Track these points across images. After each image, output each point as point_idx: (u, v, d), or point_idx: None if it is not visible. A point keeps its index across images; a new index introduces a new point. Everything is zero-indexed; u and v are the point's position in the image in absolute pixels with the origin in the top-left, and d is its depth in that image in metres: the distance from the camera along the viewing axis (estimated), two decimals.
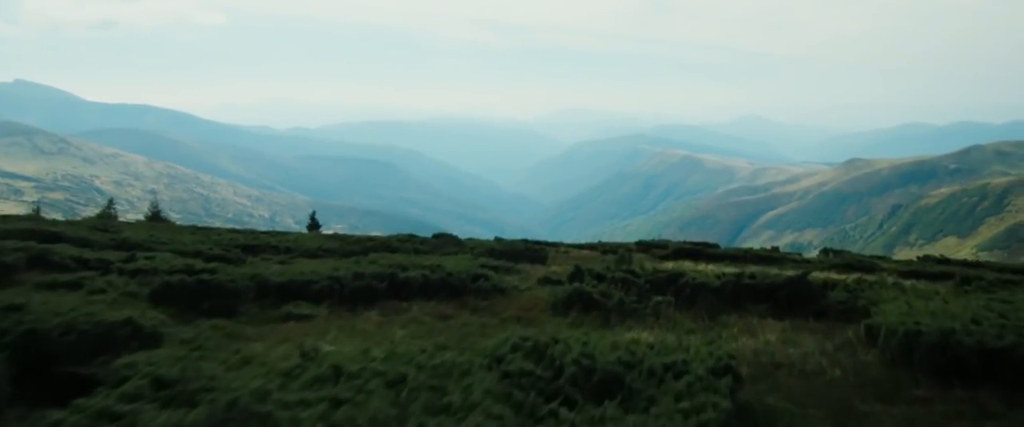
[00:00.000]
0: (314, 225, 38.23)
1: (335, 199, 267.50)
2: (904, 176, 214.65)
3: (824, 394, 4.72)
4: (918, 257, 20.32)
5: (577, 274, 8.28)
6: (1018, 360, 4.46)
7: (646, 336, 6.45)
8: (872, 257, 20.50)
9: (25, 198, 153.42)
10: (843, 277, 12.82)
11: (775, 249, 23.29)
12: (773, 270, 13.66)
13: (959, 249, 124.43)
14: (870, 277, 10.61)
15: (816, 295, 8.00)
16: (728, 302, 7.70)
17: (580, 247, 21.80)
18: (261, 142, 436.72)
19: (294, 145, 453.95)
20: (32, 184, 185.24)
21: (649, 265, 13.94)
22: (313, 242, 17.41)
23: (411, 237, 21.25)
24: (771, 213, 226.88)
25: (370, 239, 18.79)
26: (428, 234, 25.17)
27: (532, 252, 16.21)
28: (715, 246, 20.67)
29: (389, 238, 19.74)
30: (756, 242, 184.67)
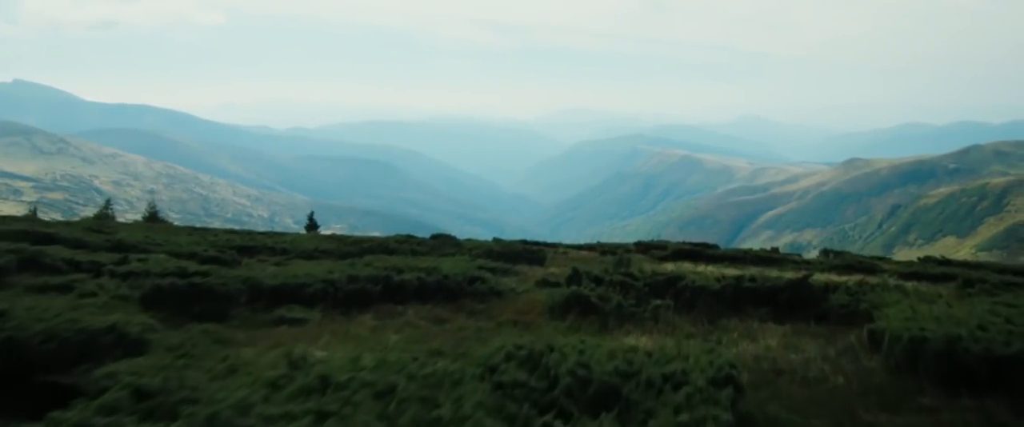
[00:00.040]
0: (312, 225, 38.12)
1: (334, 199, 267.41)
2: (903, 176, 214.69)
3: (827, 402, 4.59)
4: (919, 258, 20.21)
5: (575, 277, 8.16)
6: None
7: (645, 341, 6.33)
8: (872, 258, 20.39)
9: (24, 198, 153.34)
10: (844, 279, 12.71)
11: (775, 250, 23.18)
12: (773, 272, 13.56)
13: (958, 249, 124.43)
14: (872, 279, 10.49)
15: (817, 298, 7.88)
16: (728, 305, 7.58)
17: (579, 248, 21.69)
18: (260, 142, 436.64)
19: (293, 145, 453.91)
20: (31, 184, 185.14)
21: (648, 267, 13.83)
22: (310, 243, 17.29)
23: (409, 238, 21.14)
24: (770, 213, 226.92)
25: (367, 240, 18.67)
26: (427, 234, 25.08)
27: (530, 253, 16.09)
28: (714, 247, 20.54)
29: (387, 239, 19.62)
30: (755, 242, 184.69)
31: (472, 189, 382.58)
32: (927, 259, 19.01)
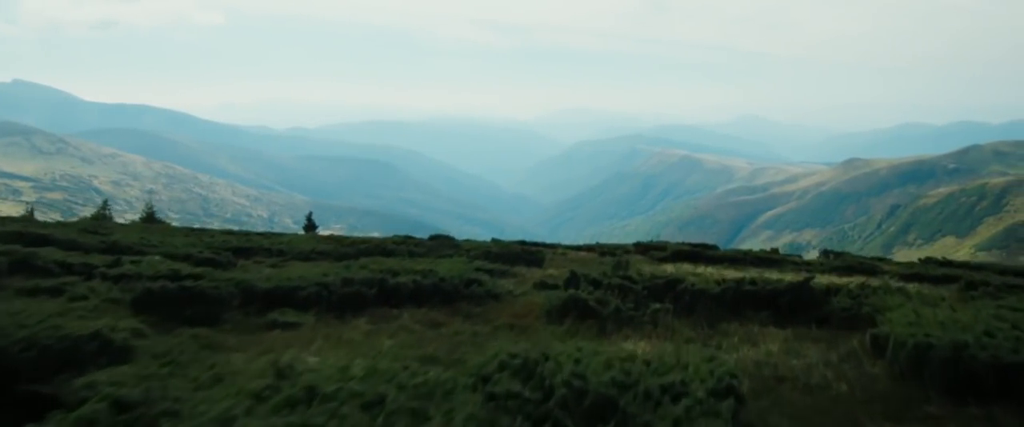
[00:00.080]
0: (311, 226, 38.01)
1: (334, 199, 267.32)
2: (903, 176, 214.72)
3: (830, 411, 4.48)
4: (920, 259, 20.11)
5: (573, 280, 8.04)
6: None
7: (643, 346, 6.22)
8: (873, 259, 20.28)
9: (23, 198, 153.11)
10: (845, 280, 12.60)
11: (774, 250, 23.07)
12: (773, 273, 13.45)
13: (958, 249, 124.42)
14: (873, 281, 10.38)
15: (818, 301, 7.76)
16: (728, 309, 7.46)
17: (578, 249, 21.56)
18: (260, 142, 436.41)
19: (293, 145, 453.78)
20: (30, 184, 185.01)
21: (647, 269, 13.71)
22: (307, 244, 17.17)
23: (407, 239, 21.02)
24: (770, 213, 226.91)
25: (364, 241, 18.55)
26: (427, 235, 24.98)
27: (529, 254, 15.97)
28: (714, 248, 20.42)
29: (384, 240, 19.49)
30: (755, 242, 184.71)
31: (472, 189, 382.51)
32: (928, 260, 18.90)
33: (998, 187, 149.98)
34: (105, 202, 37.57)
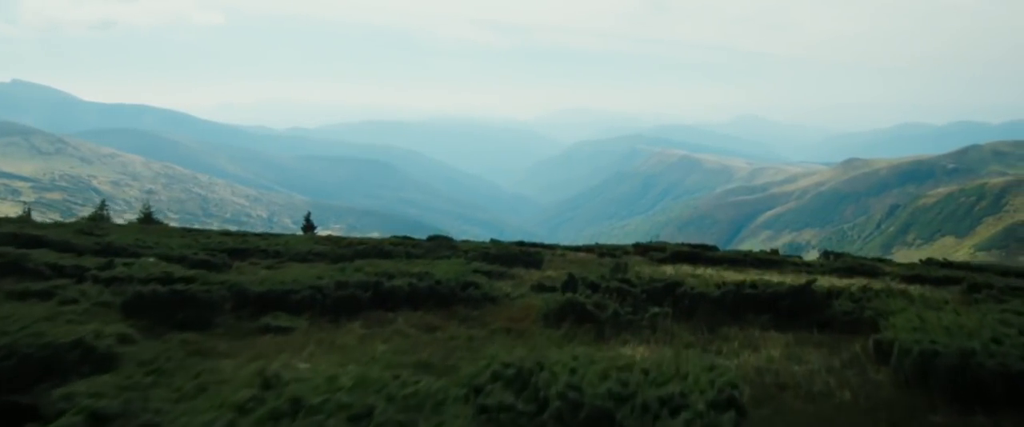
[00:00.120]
0: (309, 226, 37.88)
1: (333, 199, 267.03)
2: (902, 176, 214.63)
3: (834, 419, 4.37)
4: (921, 260, 20.00)
5: (570, 283, 7.92)
6: None
7: (642, 351, 6.10)
8: (874, 260, 20.16)
9: (23, 198, 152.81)
10: (846, 282, 12.49)
11: (774, 251, 22.96)
12: (774, 275, 13.33)
13: (957, 249, 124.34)
14: (875, 284, 10.26)
15: (820, 305, 7.65)
16: (728, 313, 7.34)
17: (577, 249, 21.43)
18: (259, 142, 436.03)
19: (292, 145, 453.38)
20: (29, 184, 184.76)
21: (647, 269, 13.60)
22: (304, 246, 17.03)
23: (405, 240, 20.90)
24: (769, 213, 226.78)
25: (362, 242, 18.42)
26: (426, 235, 24.88)
27: (527, 256, 15.84)
28: (714, 248, 20.30)
29: (382, 241, 19.37)
30: (754, 242, 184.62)
31: (471, 189, 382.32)
32: (929, 262, 18.79)
33: (997, 187, 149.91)
34: (102, 203, 37.43)
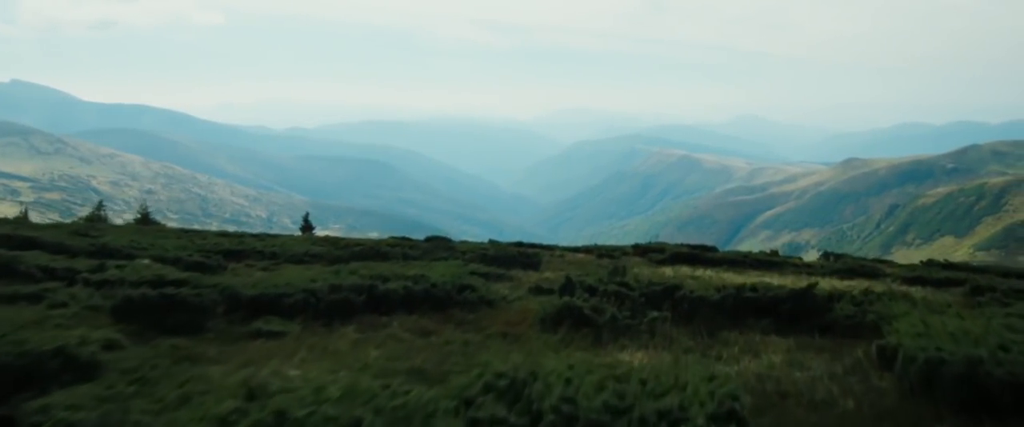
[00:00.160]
0: (307, 227, 37.76)
1: (333, 199, 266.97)
2: (901, 176, 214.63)
3: None
4: (922, 261, 19.89)
5: (568, 286, 7.80)
6: None
7: (640, 357, 5.98)
8: (874, 261, 20.05)
9: (22, 198, 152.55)
10: (847, 283, 12.38)
11: (774, 252, 22.86)
12: (774, 277, 13.22)
13: (956, 249, 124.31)
14: (877, 286, 10.15)
15: (821, 309, 7.53)
16: (728, 317, 7.22)
17: (575, 250, 21.31)
18: (259, 142, 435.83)
19: (292, 145, 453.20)
20: (29, 184, 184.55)
21: (646, 272, 13.48)
22: (300, 247, 16.91)
23: (402, 240, 20.78)
24: (768, 213, 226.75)
25: (359, 243, 18.29)
26: (426, 235, 24.80)
27: (525, 257, 15.73)
28: (714, 249, 20.18)
29: (379, 242, 19.25)
30: (753, 242, 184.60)
31: (471, 189, 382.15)
32: (930, 263, 18.68)
33: (997, 187, 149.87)
34: (100, 203, 37.29)
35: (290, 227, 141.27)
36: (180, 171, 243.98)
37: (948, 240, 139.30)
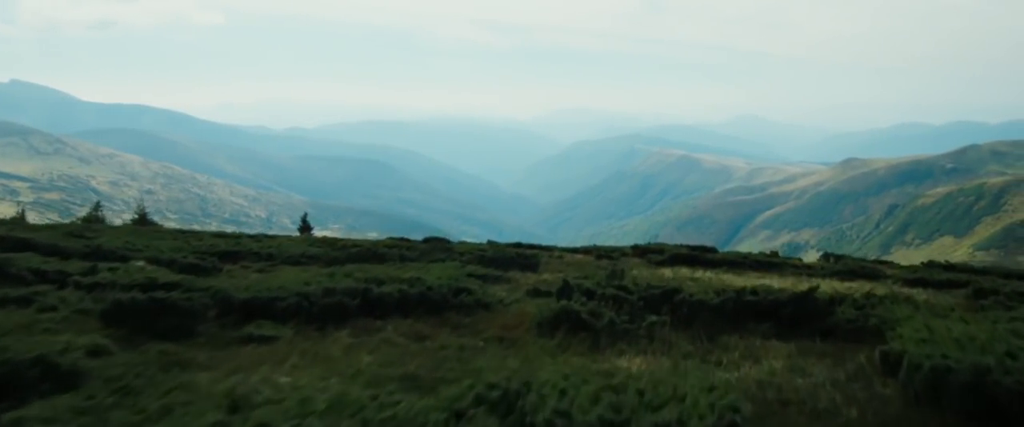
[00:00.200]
0: (306, 227, 37.60)
1: (332, 199, 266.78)
2: (901, 176, 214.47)
3: None
4: (923, 262, 19.77)
5: (565, 290, 7.68)
6: None
7: (638, 363, 5.86)
8: (875, 262, 19.94)
9: (21, 198, 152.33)
10: (848, 285, 12.27)
11: (774, 253, 22.73)
12: (774, 278, 13.11)
13: (956, 249, 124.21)
14: (879, 289, 10.03)
15: (822, 312, 7.42)
16: (728, 321, 7.11)
17: (574, 251, 21.20)
18: (258, 142, 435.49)
19: (291, 145, 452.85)
20: (28, 184, 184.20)
21: (644, 274, 13.36)
22: (297, 248, 16.79)
23: (400, 241, 20.64)
24: (768, 213, 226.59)
25: (356, 244, 18.16)
26: (425, 234, 24.70)
27: (523, 258, 15.61)
28: (713, 250, 20.07)
29: (376, 243, 19.12)
30: (753, 242, 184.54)
31: (470, 189, 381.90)
32: (931, 264, 18.57)
33: (996, 187, 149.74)
34: (97, 204, 37.10)
35: (289, 227, 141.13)
36: (179, 171, 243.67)
37: (947, 240, 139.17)
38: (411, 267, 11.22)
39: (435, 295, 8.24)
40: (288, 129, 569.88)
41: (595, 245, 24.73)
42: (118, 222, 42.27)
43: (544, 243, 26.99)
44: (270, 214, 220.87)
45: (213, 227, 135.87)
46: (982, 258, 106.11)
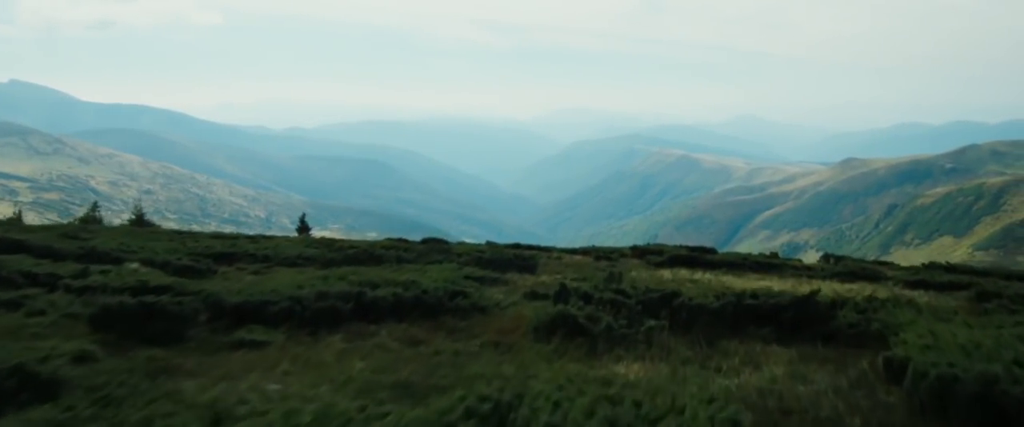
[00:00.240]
0: (304, 228, 37.45)
1: (332, 199, 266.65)
2: (900, 176, 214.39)
3: None
4: (923, 264, 19.67)
5: (562, 293, 7.56)
6: None
7: (636, 369, 5.73)
8: (875, 263, 19.82)
9: (20, 198, 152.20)
10: (848, 287, 12.15)
11: (774, 254, 22.62)
12: (774, 280, 12.99)
13: (955, 249, 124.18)
14: (880, 291, 9.91)
15: (824, 316, 7.30)
16: (728, 326, 6.98)
17: (573, 252, 21.08)
18: (257, 142, 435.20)
19: (291, 145, 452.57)
20: (27, 184, 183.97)
21: (644, 274, 13.25)
22: (294, 249, 16.66)
23: (398, 242, 20.52)
24: (767, 213, 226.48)
25: (353, 245, 18.03)
26: (425, 235, 24.59)
27: (522, 260, 15.48)
28: (713, 251, 19.96)
29: (374, 245, 18.99)
30: (752, 242, 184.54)
31: (470, 189, 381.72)
32: (932, 265, 18.46)
33: (995, 187, 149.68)
34: (94, 204, 36.96)
35: (289, 227, 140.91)
36: (179, 171, 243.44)
37: (947, 240, 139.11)
38: (408, 269, 11.10)
39: (431, 298, 8.12)
40: (287, 129, 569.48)
41: (594, 246, 24.61)
42: (118, 222, 42.15)
43: (544, 243, 26.90)
44: (269, 214, 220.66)
45: (212, 227, 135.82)
46: (981, 258, 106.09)
